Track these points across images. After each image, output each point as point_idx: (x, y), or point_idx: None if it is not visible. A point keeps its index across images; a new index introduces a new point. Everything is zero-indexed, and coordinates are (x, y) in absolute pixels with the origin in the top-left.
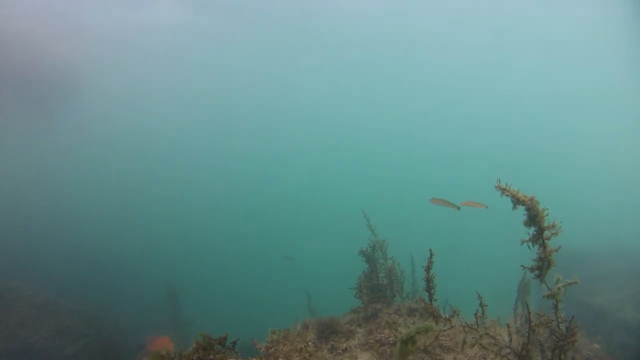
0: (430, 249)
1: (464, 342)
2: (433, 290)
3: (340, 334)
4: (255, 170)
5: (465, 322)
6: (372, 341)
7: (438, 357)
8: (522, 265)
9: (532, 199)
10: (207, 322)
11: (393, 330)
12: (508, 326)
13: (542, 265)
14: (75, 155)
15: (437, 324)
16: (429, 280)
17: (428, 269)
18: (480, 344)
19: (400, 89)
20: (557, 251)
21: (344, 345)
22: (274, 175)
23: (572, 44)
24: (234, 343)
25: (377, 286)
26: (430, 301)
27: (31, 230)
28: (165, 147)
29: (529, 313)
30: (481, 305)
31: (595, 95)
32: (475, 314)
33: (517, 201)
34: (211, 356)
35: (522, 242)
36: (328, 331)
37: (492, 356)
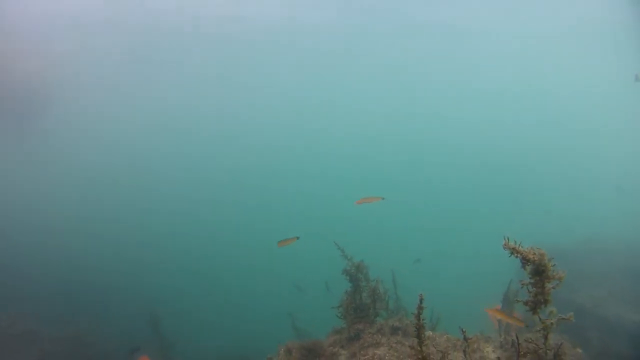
0: (420, 294)
1: None
2: (423, 335)
3: (324, 357)
4: (238, 179)
5: None
6: None
7: None
8: (517, 300)
9: (542, 255)
10: (193, 339)
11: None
12: (499, 359)
13: (538, 302)
14: (46, 171)
15: None
16: (419, 328)
17: (418, 315)
18: None
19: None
20: (554, 289)
21: None
22: (257, 182)
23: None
24: None
25: (360, 305)
26: (421, 347)
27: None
28: (148, 156)
29: (518, 344)
30: (465, 339)
31: (577, 87)
32: (464, 351)
33: (526, 261)
34: None
35: (522, 285)
36: (311, 355)
37: None
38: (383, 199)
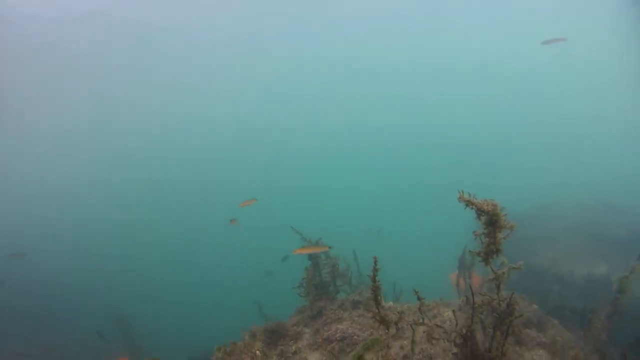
0: (374, 257)
1: (413, 341)
2: (380, 297)
3: (288, 337)
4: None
5: (413, 321)
6: (320, 340)
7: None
8: (470, 250)
9: (494, 206)
10: (162, 340)
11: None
12: (454, 312)
13: (490, 251)
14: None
15: (388, 330)
16: (375, 289)
17: (374, 277)
18: (432, 337)
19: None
20: (505, 239)
21: (293, 348)
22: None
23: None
24: None
25: (321, 283)
26: (378, 309)
27: None
28: (112, 158)
29: (472, 295)
30: (419, 299)
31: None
32: (419, 309)
33: (481, 212)
34: None
35: (476, 236)
36: (275, 336)
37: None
38: (256, 200)
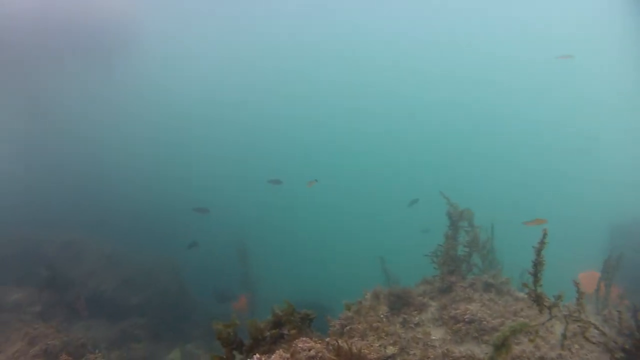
0: (544, 230)
1: (564, 336)
2: (540, 274)
3: (413, 306)
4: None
5: (568, 310)
6: (447, 317)
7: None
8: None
9: None
10: (275, 281)
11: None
12: (620, 313)
13: None
14: (138, 108)
15: (540, 312)
16: (537, 264)
17: (539, 251)
18: (586, 337)
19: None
20: None
21: (417, 319)
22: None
23: None
24: (311, 320)
25: (455, 257)
26: (535, 286)
27: (91, 185)
28: (242, 96)
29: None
30: (578, 291)
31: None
32: (578, 300)
33: None
34: (286, 331)
35: None
36: (399, 303)
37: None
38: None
